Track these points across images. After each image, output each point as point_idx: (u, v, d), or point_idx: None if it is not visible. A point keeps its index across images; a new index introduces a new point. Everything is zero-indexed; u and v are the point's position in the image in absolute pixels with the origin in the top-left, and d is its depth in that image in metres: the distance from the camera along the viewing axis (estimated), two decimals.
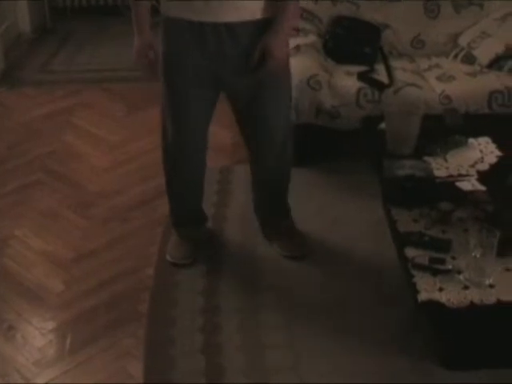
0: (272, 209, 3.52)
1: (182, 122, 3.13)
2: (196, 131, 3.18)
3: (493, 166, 3.33)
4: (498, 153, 3.43)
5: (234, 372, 2.82)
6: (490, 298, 2.60)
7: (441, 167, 3.30)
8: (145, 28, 3.03)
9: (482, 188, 3.14)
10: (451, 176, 3.24)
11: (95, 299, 3.22)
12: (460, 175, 3.25)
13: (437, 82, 4.02)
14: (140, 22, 3.02)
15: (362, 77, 3.94)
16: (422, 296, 2.60)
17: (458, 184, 3.18)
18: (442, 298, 2.60)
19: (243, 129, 3.27)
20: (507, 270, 2.71)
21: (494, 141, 3.51)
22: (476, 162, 3.35)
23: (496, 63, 4.09)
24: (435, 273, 2.69)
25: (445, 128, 3.55)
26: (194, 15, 2.88)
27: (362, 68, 4.01)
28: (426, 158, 3.33)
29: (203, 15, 2.87)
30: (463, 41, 4.29)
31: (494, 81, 3.96)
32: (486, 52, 4.14)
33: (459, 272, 2.69)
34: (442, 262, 2.73)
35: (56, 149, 4.48)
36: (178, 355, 2.90)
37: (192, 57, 2.97)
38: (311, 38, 4.10)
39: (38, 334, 3.05)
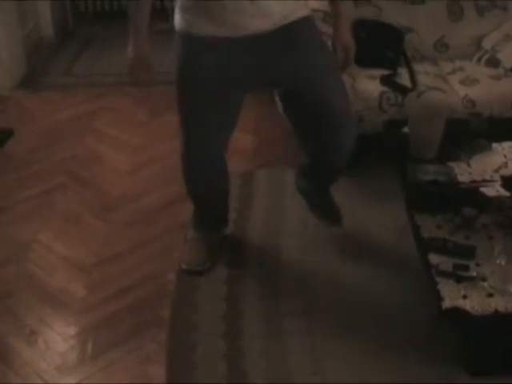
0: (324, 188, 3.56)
1: (203, 132, 3.09)
2: (218, 138, 3.15)
3: None
4: None
5: (256, 377, 2.81)
6: None
7: (464, 172, 3.27)
8: (142, 40, 2.89)
9: (507, 194, 3.11)
10: (475, 181, 3.21)
11: (117, 304, 3.22)
12: (484, 180, 3.22)
13: (460, 85, 3.99)
14: (138, 33, 2.87)
15: (384, 80, 3.91)
16: (446, 303, 2.59)
17: (482, 189, 3.15)
18: (467, 305, 2.58)
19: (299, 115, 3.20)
20: None
21: None
22: (500, 167, 3.32)
23: None
24: (459, 280, 2.67)
25: (468, 132, 3.52)
26: (223, 30, 2.77)
27: (385, 72, 3.98)
28: (450, 163, 3.31)
29: (235, 29, 2.77)
30: (487, 44, 4.26)
31: None
32: (510, 55, 4.11)
33: (484, 279, 2.67)
34: (466, 268, 2.71)
35: (78, 152, 4.49)
36: (199, 360, 2.90)
37: (221, 76, 2.89)
38: None
39: (59, 339, 3.06)
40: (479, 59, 4.23)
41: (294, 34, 2.88)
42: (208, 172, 3.26)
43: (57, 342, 3.05)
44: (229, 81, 2.92)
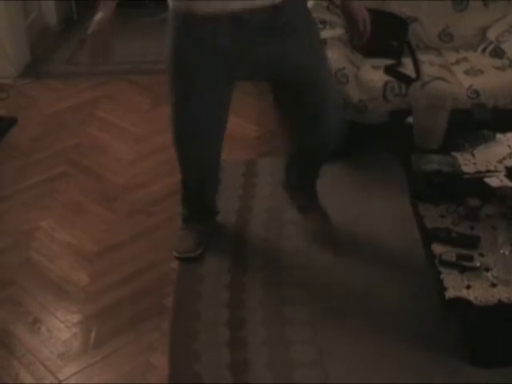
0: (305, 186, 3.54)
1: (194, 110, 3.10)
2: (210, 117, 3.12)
3: None
4: None
5: (259, 366, 2.81)
6: None
7: (468, 163, 3.26)
8: (110, 12, 2.79)
9: (511, 184, 3.10)
10: (479, 172, 3.20)
11: (120, 292, 3.23)
12: (488, 171, 3.21)
13: (464, 75, 3.98)
14: (106, 5, 2.78)
15: (388, 70, 3.91)
16: (450, 293, 2.58)
17: (486, 180, 3.14)
18: (470, 295, 2.57)
19: (285, 108, 3.22)
20: None
21: None
22: (504, 158, 3.30)
23: None
24: (463, 270, 2.67)
25: (472, 123, 3.51)
26: (210, 6, 2.76)
27: (389, 61, 3.98)
28: (454, 154, 3.30)
29: (222, 4, 2.75)
30: (491, 34, 4.24)
31: None
32: None
33: (487, 269, 2.67)
34: (470, 258, 2.70)
35: (81, 141, 4.48)
36: (202, 348, 2.90)
37: (210, 56, 2.90)
38: (338, 31, 4.07)
39: (62, 327, 3.06)
40: (484, 50, 4.22)
41: (284, 18, 2.85)
42: (200, 149, 3.21)
43: (60, 330, 3.05)
44: (218, 60, 2.90)
